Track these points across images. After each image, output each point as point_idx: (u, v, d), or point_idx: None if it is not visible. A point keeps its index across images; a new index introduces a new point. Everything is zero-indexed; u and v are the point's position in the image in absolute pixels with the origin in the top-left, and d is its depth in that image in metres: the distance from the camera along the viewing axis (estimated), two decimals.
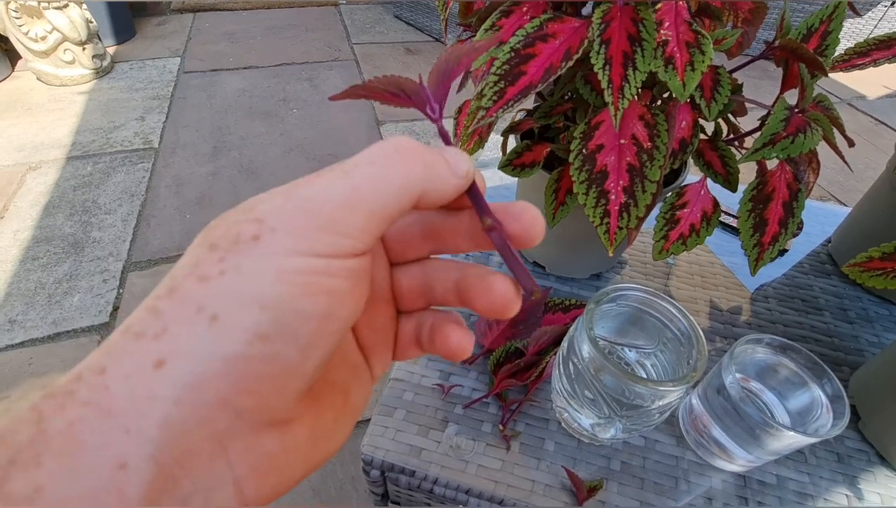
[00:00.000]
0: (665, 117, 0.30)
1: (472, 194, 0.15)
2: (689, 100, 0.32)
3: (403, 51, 1.95)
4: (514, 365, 0.42)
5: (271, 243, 0.11)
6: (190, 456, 0.10)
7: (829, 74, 0.31)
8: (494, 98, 0.28)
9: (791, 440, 0.33)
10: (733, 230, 0.62)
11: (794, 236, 0.60)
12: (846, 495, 0.39)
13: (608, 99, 0.28)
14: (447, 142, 0.15)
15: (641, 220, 0.30)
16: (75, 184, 1.28)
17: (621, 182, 0.30)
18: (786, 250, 0.60)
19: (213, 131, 1.51)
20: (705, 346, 0.32)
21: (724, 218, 0.63)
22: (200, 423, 0.10)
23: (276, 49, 1.89)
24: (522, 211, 0.14)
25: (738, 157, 0.36)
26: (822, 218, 0.66)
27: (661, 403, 0.32)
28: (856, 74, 2.17)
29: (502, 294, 0.14)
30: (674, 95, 0.29)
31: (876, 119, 1.82)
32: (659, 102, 0.36)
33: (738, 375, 0.36)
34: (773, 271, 0.58)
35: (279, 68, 1.82)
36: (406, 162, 0.13)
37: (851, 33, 2.20)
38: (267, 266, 0.11)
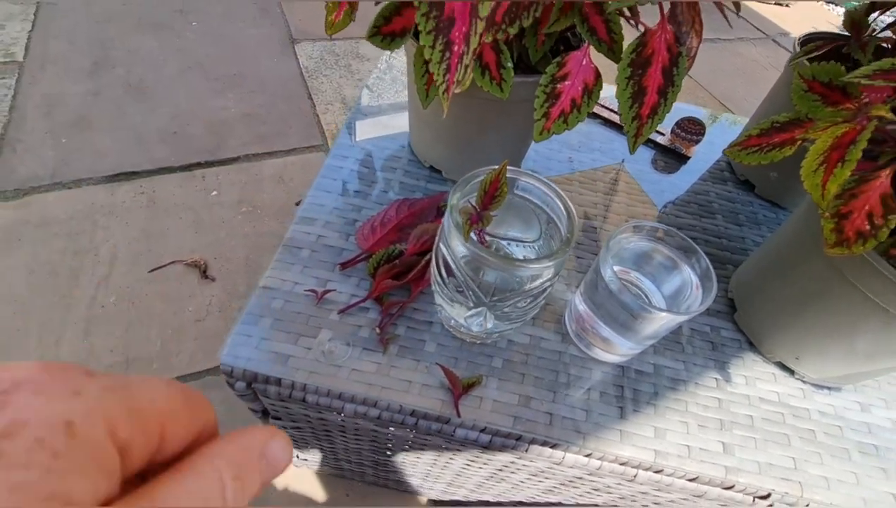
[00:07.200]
0: None
1: None
2: None
3: None
4: (393, 265, 0.39)
5: None
6: None
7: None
8: None
9: (667, 320, 0.33)
10: None
11: (696, 141, 0.60)
12: (716, 379, 0.41)
13: None
14: None
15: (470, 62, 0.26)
16: None
17: (464, 28, 0.26)
18: (688, 158, 0.59)
19: (93, 44, 1.30)
20: (576, 222, 0.30)
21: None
22: None
23: None
24: None
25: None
26: (731, 131, 0.66)
27: (533, 285, 0.30)
28: (781, 11, 2.23)
29: None
30: None
31: None
32: None
33: (616, 268, 0.35)
34: (681, 185, 0.57)
35: None
36: None
37: None
38: None
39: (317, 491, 0.68)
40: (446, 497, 0.65)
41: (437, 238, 0.33)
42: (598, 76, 0.32)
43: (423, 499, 0.69)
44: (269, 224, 0.96)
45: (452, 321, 0.36)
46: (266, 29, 1.46)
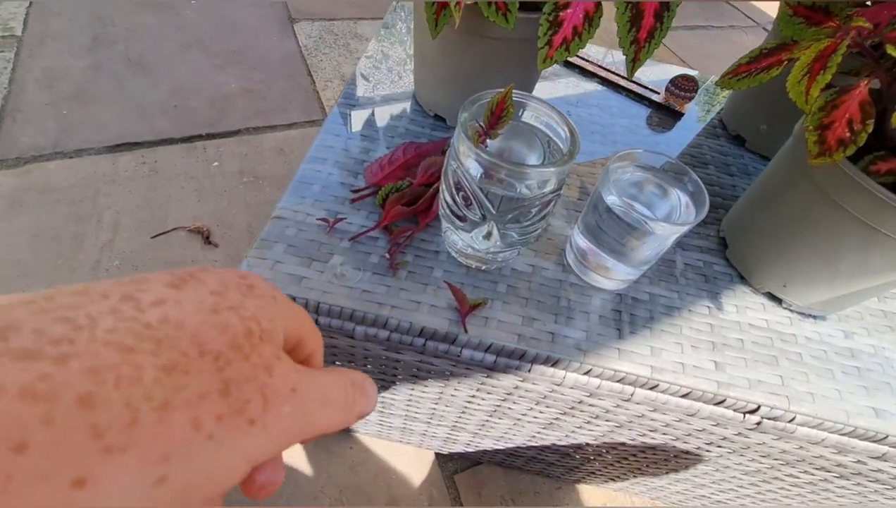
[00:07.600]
0: None
1: None
2: None
3: None
4: (403, 194, 0.41)
5: None
6: None
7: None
8: None
9: (665, 234, 0.35)
10: (638, 98, 0.63)
11: (689, 98, 0.62)
12: (708, 307, 0.43)
13: None
14: None
15: None
16: None
17: None
18: (682, 114, 0.61)
19: (92, 21, 1.30)
20: (579, 140, 0.32)
21: (633, 87, 0.63)
22: None
23: None
24: None
25: None
26: (723, 99, 0.69)
27: (537, 195, 0.32)
28: (772, 2, 2.26)
29: None
30: None
31: None
32: None
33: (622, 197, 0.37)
34: (676, 140, 0.60)
35: None
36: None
37: None
38: None
39: (321, 444, 0.69)
40: (447, 449, 0.67)
41: (445, 160, 0.35)
42: (598, 4, 0.34)
43: (428, 453, 0.71)
44: (270, 194, 0.97)
45: (459, 244, 0.38)
46: (265, 8, 1.47)
